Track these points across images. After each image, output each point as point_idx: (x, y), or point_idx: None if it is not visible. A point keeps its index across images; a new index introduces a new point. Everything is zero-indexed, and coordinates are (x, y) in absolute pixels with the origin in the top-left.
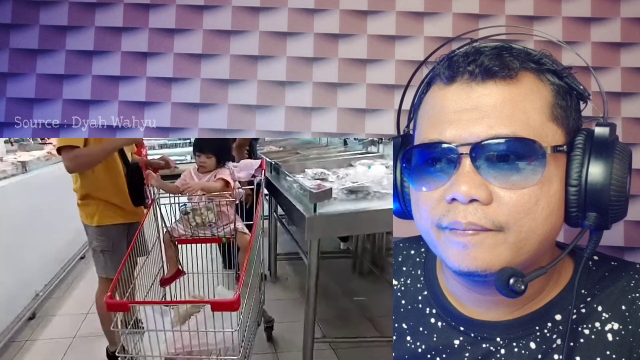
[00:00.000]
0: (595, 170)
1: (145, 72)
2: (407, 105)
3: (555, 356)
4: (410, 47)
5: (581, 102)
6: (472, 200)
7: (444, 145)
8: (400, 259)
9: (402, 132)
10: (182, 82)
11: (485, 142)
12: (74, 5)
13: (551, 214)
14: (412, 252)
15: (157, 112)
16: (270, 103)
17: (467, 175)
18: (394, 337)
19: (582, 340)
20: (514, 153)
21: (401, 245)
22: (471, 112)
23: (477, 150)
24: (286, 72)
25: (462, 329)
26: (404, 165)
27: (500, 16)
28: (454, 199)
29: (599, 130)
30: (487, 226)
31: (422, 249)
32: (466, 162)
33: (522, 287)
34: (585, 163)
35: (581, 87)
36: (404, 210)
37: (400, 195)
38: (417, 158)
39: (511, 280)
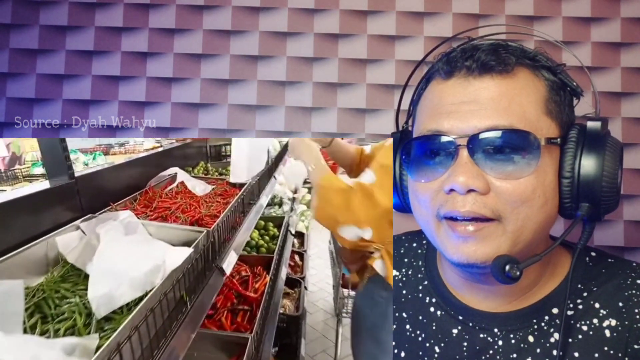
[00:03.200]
0: (588, 162)
1: (145, 72)
2: (406, 104)
3: (554, 352)
4: (410, 47)
5: (574, 99)
6: (470, 191)
7: (442, 138)
8: (402, 251)
9: (401, 128)
10: (182, 82)
11: (482, 133)
12: (74, 5)
13: (546, 203)
14: (414, 244)
15: (157, 112)
16: (270, 103)
17: (465, 166)
18: (394, 326)
19: (580, 336)
20: (510, 144)
21: (403, 238)
22: (469, 104)
23: (474, 141)
24: (286, 72)
25: (460, 318)
26: (403, 157)
27: (500, 16)
28: (452, 190)
29: (591, 125)
30: (487, 215)
31: (424, 242)
32: (464, 153)
33: (517, 273)
34: (577, 155)
35: (574, 83)
36: (402, 204)
37: (399, 189)
38: (416, 150)
39: (507, 267)
